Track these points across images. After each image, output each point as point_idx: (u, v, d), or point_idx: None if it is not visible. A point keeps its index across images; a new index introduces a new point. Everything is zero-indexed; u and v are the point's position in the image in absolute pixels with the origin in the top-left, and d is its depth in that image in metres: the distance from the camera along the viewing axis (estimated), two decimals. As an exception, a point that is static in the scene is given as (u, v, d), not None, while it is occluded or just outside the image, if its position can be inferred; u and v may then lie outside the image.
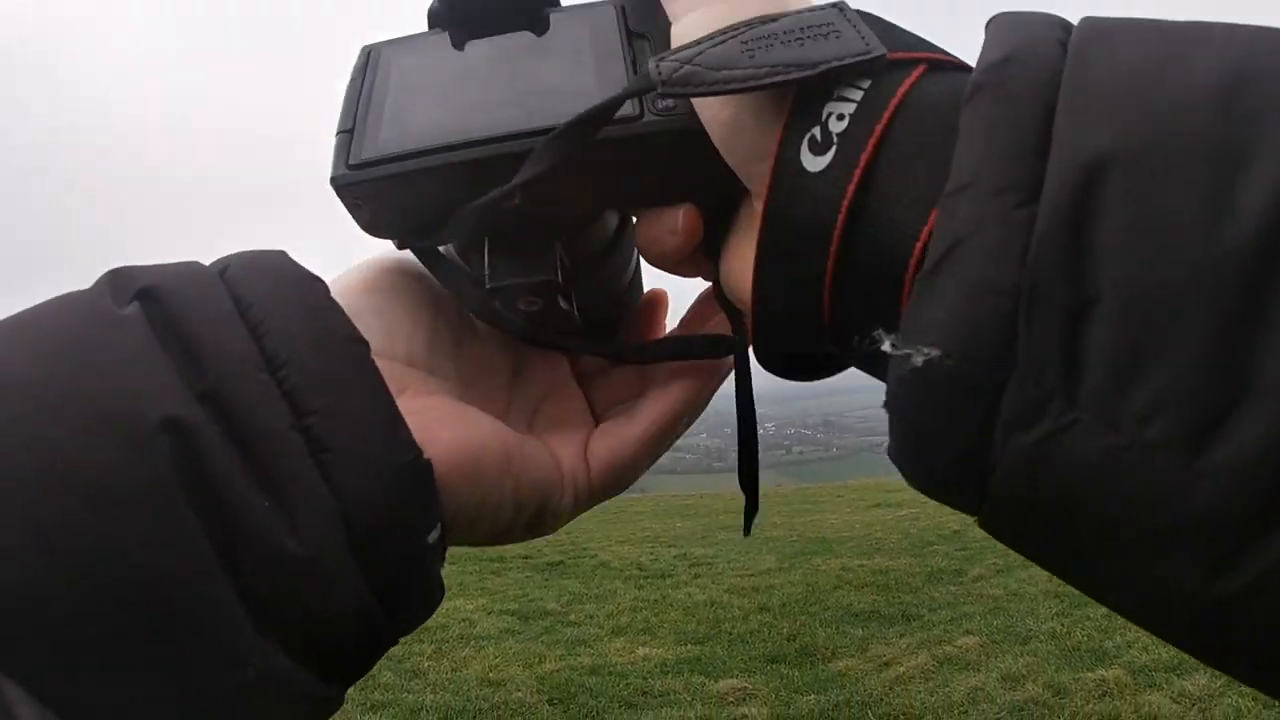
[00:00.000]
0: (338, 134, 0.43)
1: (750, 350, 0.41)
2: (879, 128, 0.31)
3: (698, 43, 0.36)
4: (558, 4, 0.49)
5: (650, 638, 4.68)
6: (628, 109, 0.41)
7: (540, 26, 0.48)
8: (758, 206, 0.36)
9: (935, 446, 0.28)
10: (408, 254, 0.45)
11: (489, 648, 4.58)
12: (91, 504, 0.27)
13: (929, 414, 0.28)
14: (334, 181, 0.42)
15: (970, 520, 0.29)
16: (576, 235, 0.47)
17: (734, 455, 0.48)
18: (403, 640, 0.37)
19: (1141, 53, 0.27)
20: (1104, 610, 0.42)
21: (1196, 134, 0.24)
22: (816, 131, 0.33)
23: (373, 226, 0.45)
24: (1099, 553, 0.26)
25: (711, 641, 4.54)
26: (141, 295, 0.33)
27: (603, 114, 0.39)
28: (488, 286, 0.45)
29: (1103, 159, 0.25)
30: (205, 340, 0.31)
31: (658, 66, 0.36)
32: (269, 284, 0.35)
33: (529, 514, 0.42)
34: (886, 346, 0.29)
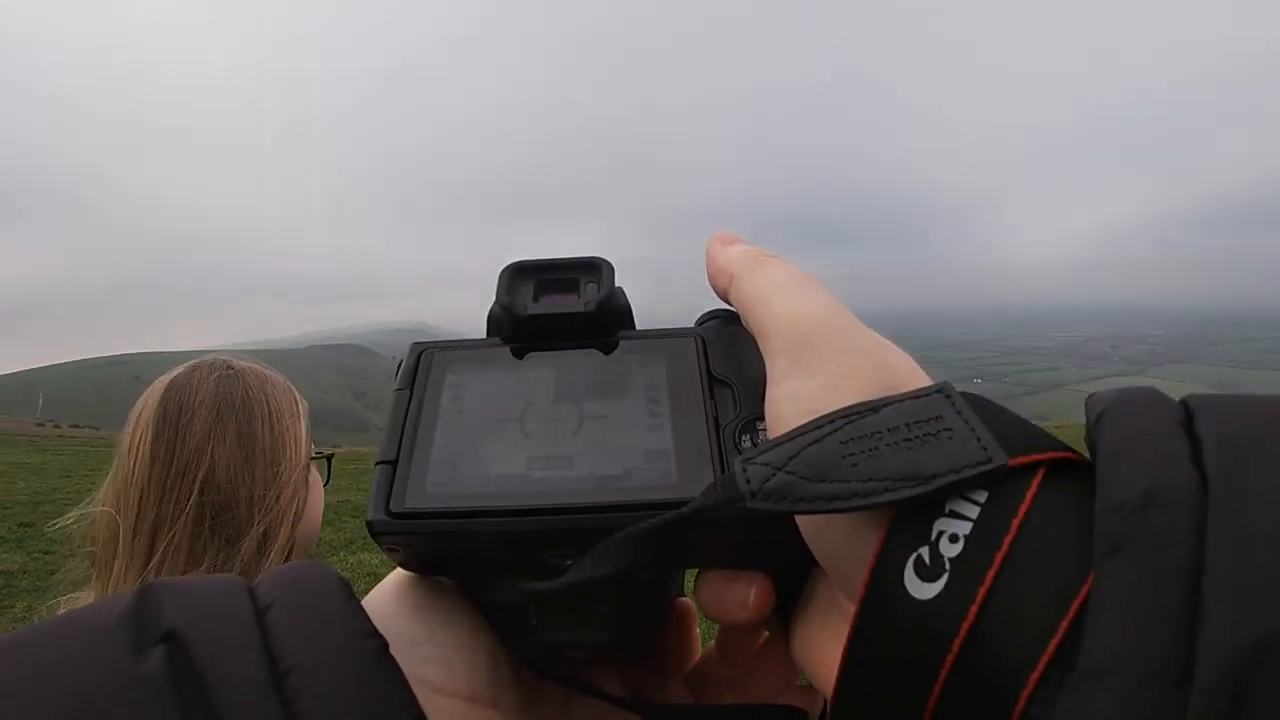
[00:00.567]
0: (379, 464, 0.41)
1: None
2: (1000, 556, 0.29)
3: (793, 435, 0.34)
4: (632, 326, 0.48)
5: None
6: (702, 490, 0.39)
7: (609, 345, 0.46)
8: (846, 607, 0.34)
9: None
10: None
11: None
12: None
13: None
14: (371, 527, 0.40)
15: None
16: (633, 595, 0.43)
17: None
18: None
19: None
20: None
21: None
22: (925, 553, 0.30)
23: (408, 566, 0.44)
24: None
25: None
26: (168, 640, 0.32)
27: (679, 522, 0.37)
28: (534, 637, 0.43)
29: (1263, 642, 0.23)
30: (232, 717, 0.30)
31: (746, 472, 0.34)
32: (312, 641, 0.33)
33: None
34: None
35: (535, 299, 0.47)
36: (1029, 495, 0.30)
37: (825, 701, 0.37)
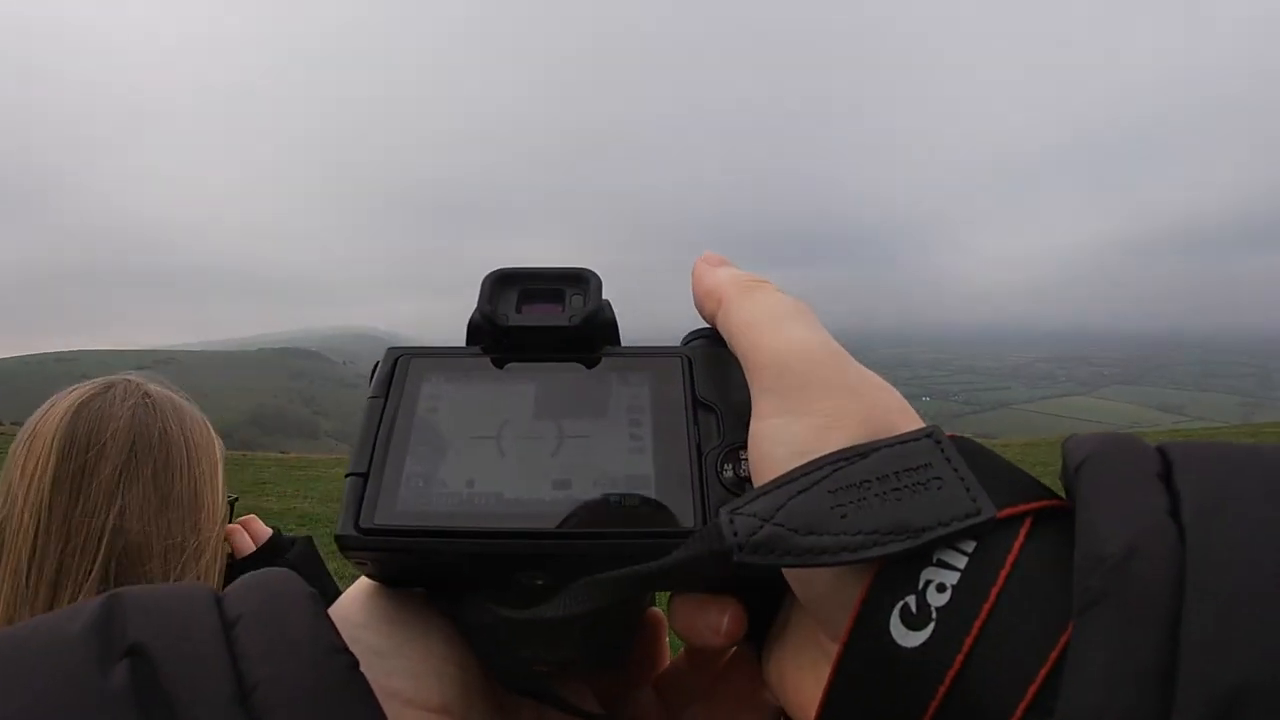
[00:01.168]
0: (350, 475, 0.40)
1: None
2: (987, 607, 0.29)
3: (780, 484, 0.34)
4: (617, 342, 0.47)
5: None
6: (690, 522, 0.38)
7: (593, 361, 0.45)
8: (827, 646, 0.35)
9: None
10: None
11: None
12: None
13: None
14: (340, 542, 0.39)
15: None
16: (604, 618, 0.42)
17: None
18: None
19: (1270, 543, 0.26)
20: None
21: None
22: (912, 602, 0.31)
23: (376, 578, 0.43)
24: None
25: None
26: (134, 654, 0.31)
27: (661, 572, 0.36)
28: (504, 652, 0.43)
29: (1238, 691, 0.23)
30: None
31: (733, 524, 0.33)
32: (281, 657, 0.33)
33: None
34: None
35: (518, 309, 0.45)
36: (1016, 545, 0.30)
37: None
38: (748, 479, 0.40)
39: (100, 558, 1.16)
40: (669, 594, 0.42)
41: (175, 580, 1.17)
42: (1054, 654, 0.27)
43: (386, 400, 0.43)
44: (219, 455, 1.30)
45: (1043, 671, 0.27)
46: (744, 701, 0.46)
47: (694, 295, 0.44)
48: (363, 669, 0.35)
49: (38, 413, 1.27)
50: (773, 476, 0.35)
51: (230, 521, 1.43)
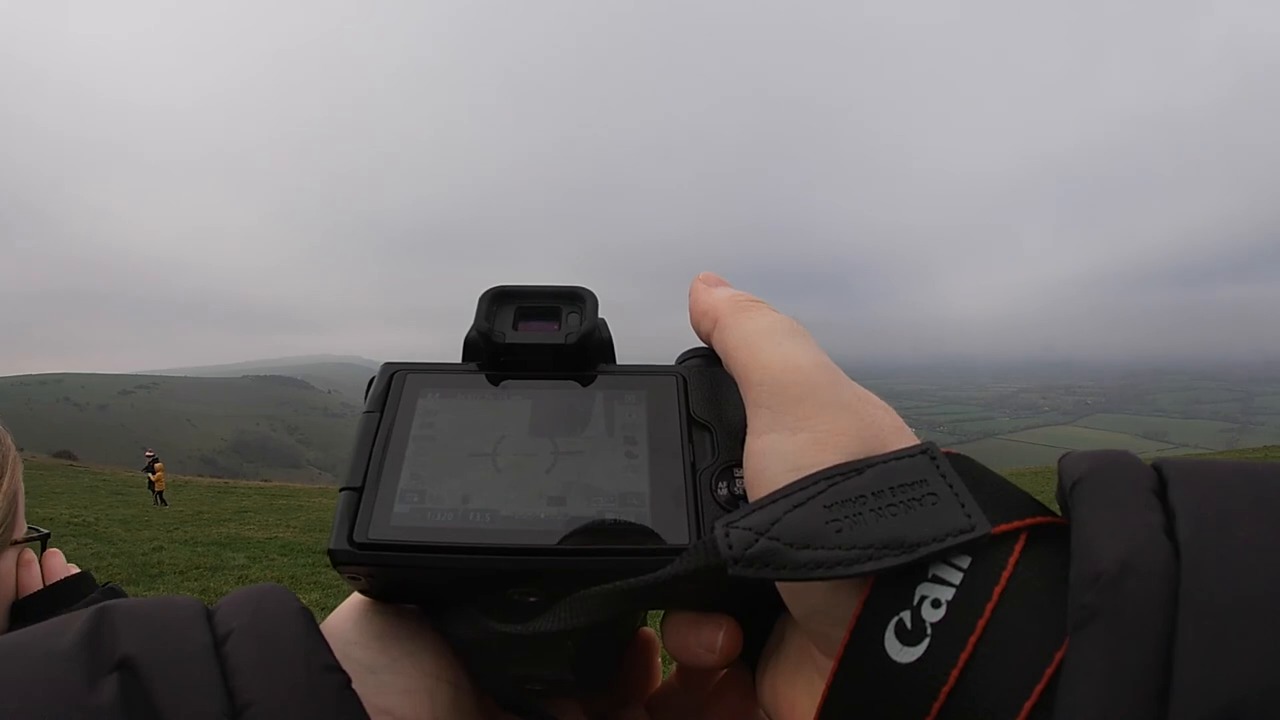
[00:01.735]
0: (344, 490, 0.40)
1: None
2: (982, 623, 0.29)
3: (775, 498, 0.34)
4: (613, 360, 0.47)
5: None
6: (684, 539, 0.38)
7: (588, 379, 0.45)
8: (821, 662, 0.35)
9: None
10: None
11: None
12: None
13: None
14: (333, 556, 0.39)
15: None
16: (596, 635, 0.42)
17: None
18: None
19: (1263, 561, 0.26)
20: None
21: None
22: (907, 617, 0.30)
23: (368, 593, 0.43)
24: None
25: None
26: (123, 667, 0.31)
27: (656, 585, 0.36)
28: (498, 670, 0.43)
29: (1232, 707, 0.23)
30: None
31: (729, 537, 0.33)
32: (272, 674, 0.33)
33: None
34: None
35: (515, 326, 0.45)
36: (1011, 561, 0.30)
37: None
38: (742, 496, 0.40)
39: None
40: (661, 614, 0.41)
41: None
42: (1049, 670, 0.28)
43: (382, 415, 0.43)
44: (19, 475, 1.19)
45: (1038, 688, 0.27)
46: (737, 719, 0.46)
47: (690, 313, 0.43)
48: (355, 686, 0.34)
49: None
50: (768, 492, 0.35)
51: (41, 551, 1.32)
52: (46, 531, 1.30)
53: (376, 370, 0.44)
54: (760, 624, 0.41)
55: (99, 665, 0.31)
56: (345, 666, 0.35)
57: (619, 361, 0.47)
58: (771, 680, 0.39)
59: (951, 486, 0.32)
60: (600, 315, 0.46)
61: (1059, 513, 0.33)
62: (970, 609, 0.30)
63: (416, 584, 0.41)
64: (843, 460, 0.34)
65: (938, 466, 0.33)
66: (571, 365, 0.45)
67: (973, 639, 0.29)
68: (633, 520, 0.39)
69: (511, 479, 0.40)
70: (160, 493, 23.16)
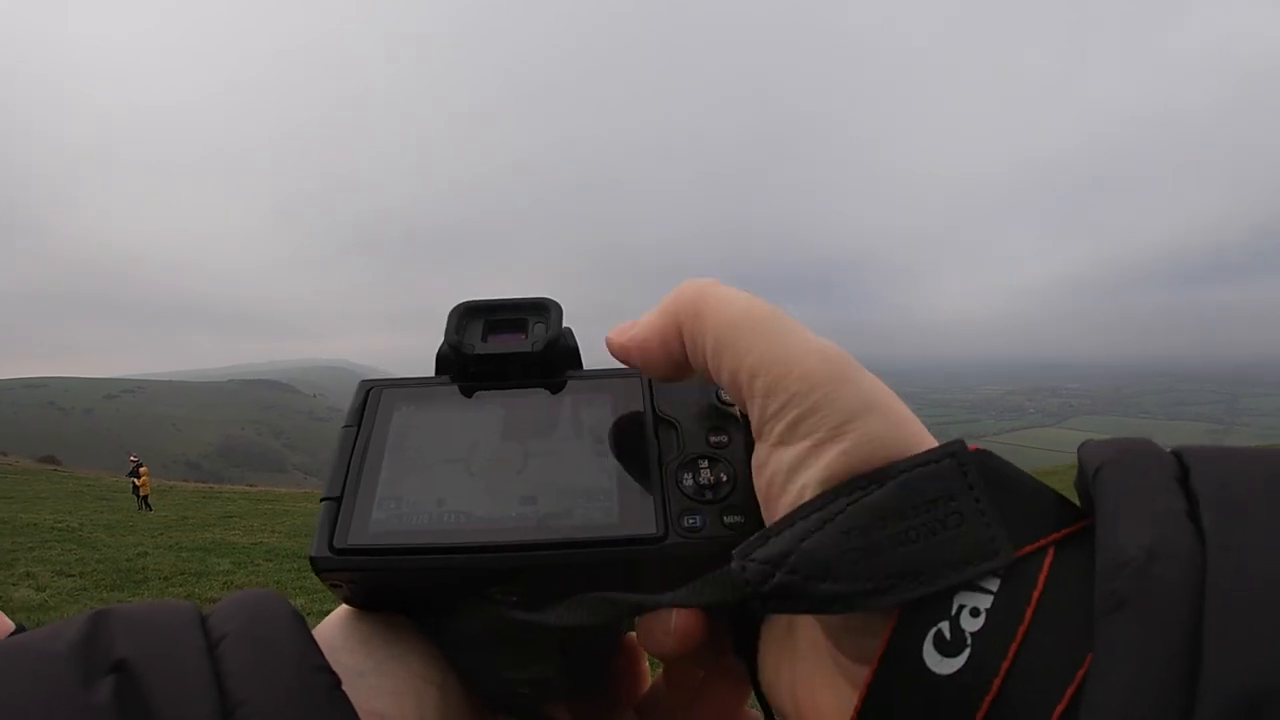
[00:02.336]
0: (324, 499, 0.41)
1: None
2: (1022, 629, 0.29)
3: (790, 521, 0.33)
4: (579, 366, 0.48)
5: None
6: (651, 528, 0.39)
7: (557, 385, 0.46)
8: (845, 666, 0.34)
9: None
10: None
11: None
12: None
13: None
14: (315, 563, 0.39)
15: None
16: (581, 636, 0.43)
17: None
18: None
19: None
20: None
21: None
22: (946, 628, 0.30)
23: (351, 602, 0.43)
24: None
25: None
26: (119, 670, 0.32)
27: (646, 605, 0.37)
28: (488, 672, 0.43)
29: (1260, 693, 0.23)
30: None
31: (744, 570, 0.33)
32: (264, 676, 0.33)
33: None
34: None
35: (484, 338, 0.46)
36: (1046, 563, 0.30)
37: None
38: (708, 485, 0.41)
39: None
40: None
41: None
42: (1085, 665, 0.28)
43: (359, 429, 0.44)
44: None
45: (1070, 690, 0.27)
46: (725, 718, 0.46)
47: (631, 352, 0.41)
48: (346, 691, 0.35)
49: None
50: (788, 505, 0.34)
51: None
52: None
53: (364, 374, 0.51)
54: (748, 620, 0.41)
55: (95, 667, 0.31)
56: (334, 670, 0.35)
57: (590, 365, 0.48)
58: (786, 676, 0.38)
59: (978, 501, 0.31)
60: (565, 324, 0.47)
61: (1077, 500, 0.33)
62: (1010, 615, 0.29)
63: (397, 588, 0.41)
64: (866, 461, 0.33)
65: (966, 476, 0.32)
66: (540, 373, 0.46)
67: (1014, 646, 0.29)
68: (601, 514, 0.40)
69: (485, 482, 0.41)
70: (145, 498, 23.09)
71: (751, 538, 0.34)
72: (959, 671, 0.29)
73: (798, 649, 0.38)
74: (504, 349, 0.46)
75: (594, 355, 0.46)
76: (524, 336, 0.47)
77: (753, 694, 0.41)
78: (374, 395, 0.45)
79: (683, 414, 0.44)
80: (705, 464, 0.42)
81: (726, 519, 0.39)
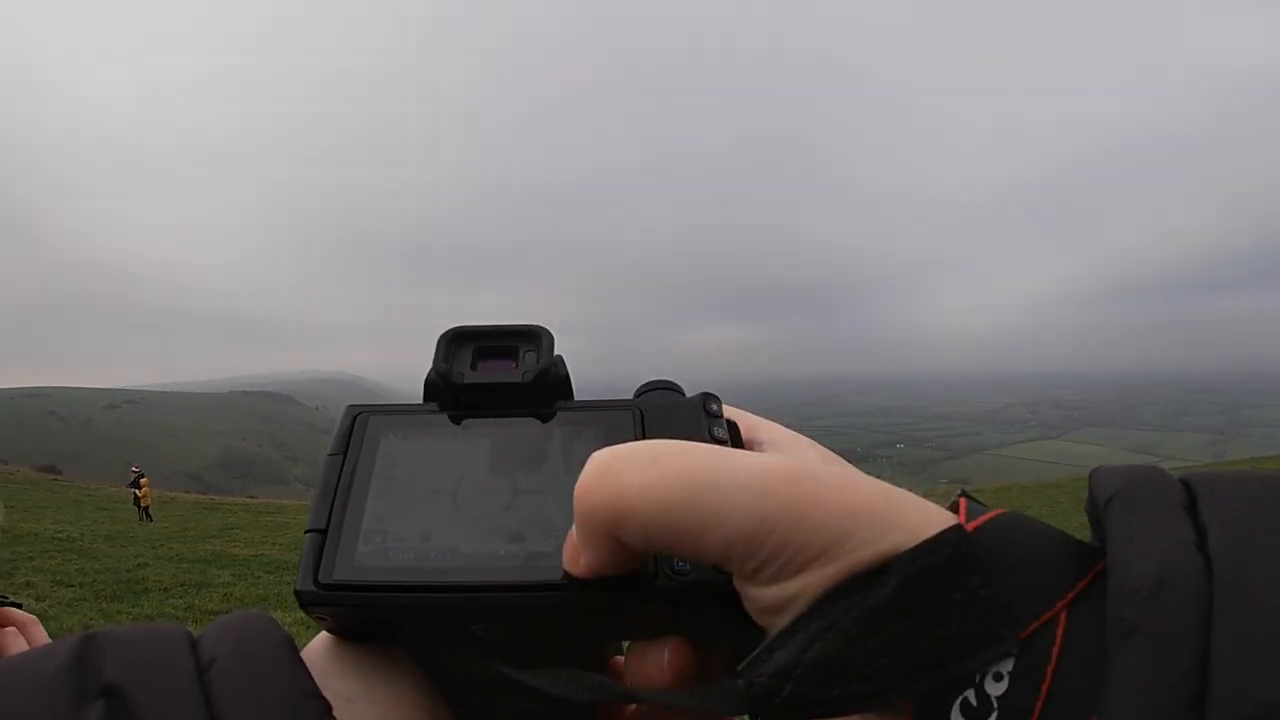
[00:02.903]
0: (309, 532, 0.41)
1: None
2: (1045, 686, 0.29)
3: (794, 631, 0.32)
4: (570, 396, 0.47)
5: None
6: (643, 570, 0.38)
7: (547, 415, 0.45)
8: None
9: None
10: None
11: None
12: None
13: None
14: (300, 598, 0.39)
15: None
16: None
17: None
18: None
19: None
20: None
21: None
22: (971, 695, 0.30)
23: (336, 633, 0.43)
24: None
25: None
26: (108, 695, 0.31)
27: (643, 699, 0.37)
28: (480, 700, 0.44)
29: (1265, 713, 0.24)
30: None
31: (753, 688, 0.32)
32: (254, 701, 0.33)
33: None
34: None
35: (473, 366, 0.46)
36: (1060, 630, 0.30)
37: None
38: None
39: None
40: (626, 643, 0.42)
41: None
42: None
43: (345, 457, 0.43)
44: None
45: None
46: None
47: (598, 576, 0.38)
48: (334, 714, 0.35)
49: None
50: (793, 615, 0.33)
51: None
52: (18, 601, 1.28)
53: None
54: (745, 641, 0.39)
55: (84, 691, 0.31)
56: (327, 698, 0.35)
57: (588, 385, 0.47)
58: None
59: (980, 589, 0.31)
60: (557, 353, 0.46)
61: (1090, 526, 0.34)
62: (1032, 675, 0.29)
63: (383, 623, 0.41)
64: (861, 562, 0.32)
65: (965, 564, 0.31)
66: (530, 403, 0.45)
67: (1039, 704, 0.29)
68: None
69: (472, 517, 0.41)
70: (146, 509, 23.09)
71: (756, 651, 0.33)
72: None
73: None
74: (493, 378, 0.46)
75: (604, 380, 0.44)
76: (514, 365, 0.46)
77: None
78: (360, 422, 0.45)
79: None
80: None
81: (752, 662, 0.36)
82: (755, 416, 0.45)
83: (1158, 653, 0.27)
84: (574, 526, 0.37)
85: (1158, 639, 0.27)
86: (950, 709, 0.30)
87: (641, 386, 0.48)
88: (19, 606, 1.28)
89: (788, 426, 0.46)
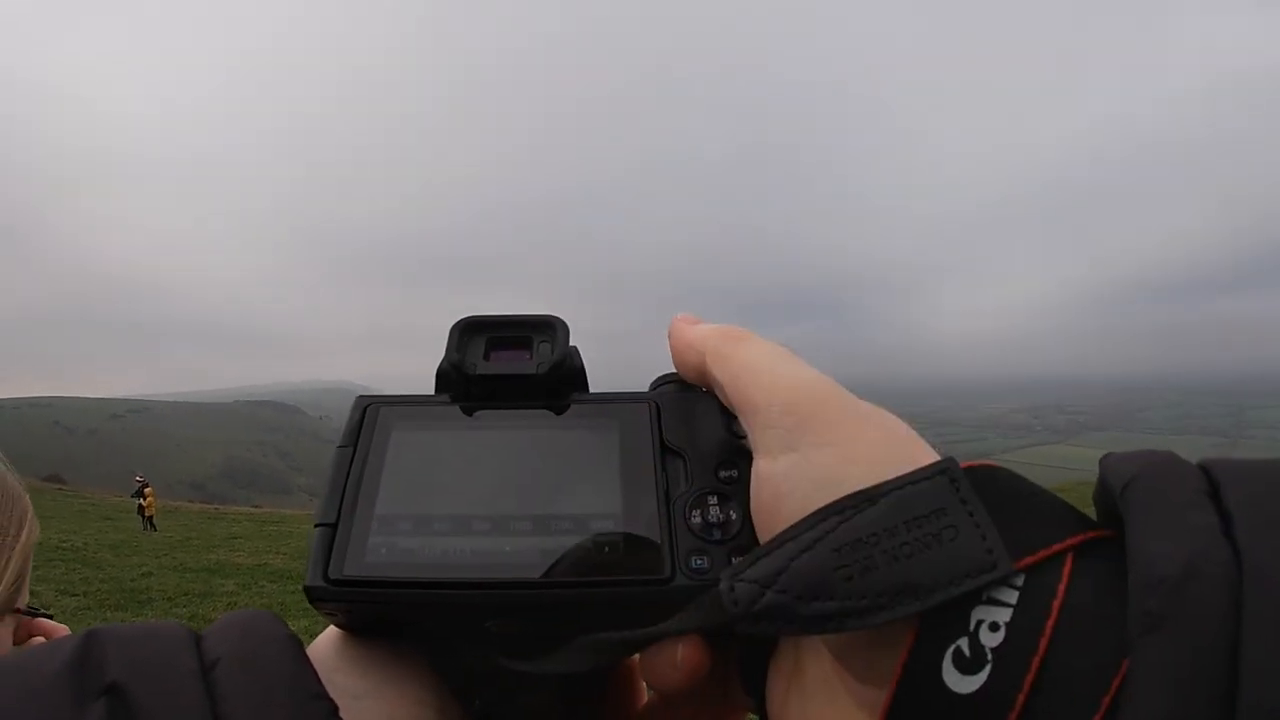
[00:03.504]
0: (319, 526, 0.40)
1: None
2: (1044, 642, 0.28)
3: (780, 541, 0.32)
4: (585, 388, 0.46)
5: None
6: (658, 570, 0.38)
7: (561, 408, 0.45)
8: (858, 691, 0.33)
9: None
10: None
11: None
12: None
13: None
14: (309, 593, 0.39)
15: None
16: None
17: None
18: None
19: None
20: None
21: None
22: (965, 644, 0.29)
23: (346, 628, 0.43)
24: None
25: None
26: (111, 693, 0.31)
27: (650, 639, 0.36)
28: (482, 698, 0.44)
29: None
30: None
31: (733, 590, 0.32)
32: (259, 701, 0.33)
33: None
34: None
35: (486, 357, 0.45)
36: (1065, 573, 0.29)
37: None
38: (716, 524, 0.40)
39: None
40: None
41: None
42: (1115, 683, 0.27)
43: (355, 449, 0.43)
44: (22, 544, 1.10)
45: (1106, 700, 0.27)
46: None
47: (674, 349, 0.43)
48: (341, 714, 0.34)
49: None
50: (789, 516, 0.34)
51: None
52: (49, 611, 1.24)
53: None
54: (757, 655, 0.39)
55: (87, 690, 0.31)
56: (329, 692, 0.35)
57: (595, 388, 0.47)
58: (796, 706, 0.37)
59: (972, 515, 0.31)
60: (572, 343, 0.46)
61: (1096, 515, 0.33)
62: (1031, 629, 0.28)
63: (394, 618, 0.41)
64: (866, 474, 0.33)
65: (957, 490, 0.31)
66: (544, 394, 0.45)
67: (1036, 660, 0.28)
68: (606, 552, 0.39)
69: (484, 512, 0.40)
70: (150, 518, 23.09)
71: (741, 559, 0.33)
72: (980, 689, 0.28)
73: (806, 684, 0.37)
74: (507, 369, 0.45)
75: (600, 378, 0.44)
76: (528, 355, 0.45)
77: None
78: (371, 413, 0.44)
79: (691, 445, 0.42)
80: (714, 500, 0.41)
81: (734, 561, 0.37)
82: None
83: (1187, 649, 0.25)
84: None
85: (1186, 633, 0.26)
86: (942, 658, 0.29)
87: (657, 379, 0.47)
88: (50, 617, 1.25)
89: None
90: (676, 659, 0.37)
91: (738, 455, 0.42)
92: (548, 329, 0.46)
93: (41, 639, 1.24)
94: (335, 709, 0.34)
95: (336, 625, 0.42)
